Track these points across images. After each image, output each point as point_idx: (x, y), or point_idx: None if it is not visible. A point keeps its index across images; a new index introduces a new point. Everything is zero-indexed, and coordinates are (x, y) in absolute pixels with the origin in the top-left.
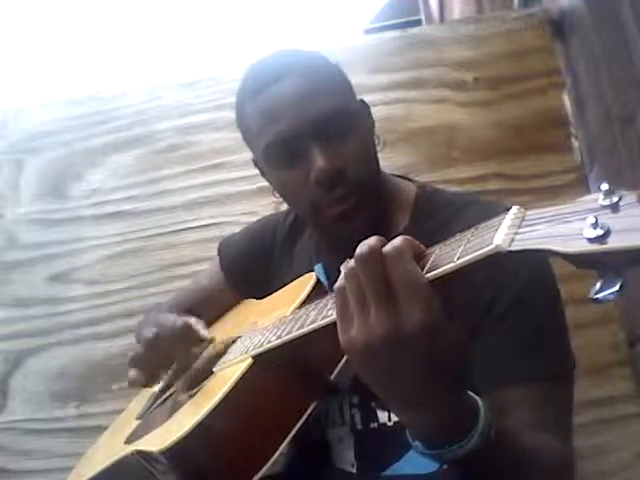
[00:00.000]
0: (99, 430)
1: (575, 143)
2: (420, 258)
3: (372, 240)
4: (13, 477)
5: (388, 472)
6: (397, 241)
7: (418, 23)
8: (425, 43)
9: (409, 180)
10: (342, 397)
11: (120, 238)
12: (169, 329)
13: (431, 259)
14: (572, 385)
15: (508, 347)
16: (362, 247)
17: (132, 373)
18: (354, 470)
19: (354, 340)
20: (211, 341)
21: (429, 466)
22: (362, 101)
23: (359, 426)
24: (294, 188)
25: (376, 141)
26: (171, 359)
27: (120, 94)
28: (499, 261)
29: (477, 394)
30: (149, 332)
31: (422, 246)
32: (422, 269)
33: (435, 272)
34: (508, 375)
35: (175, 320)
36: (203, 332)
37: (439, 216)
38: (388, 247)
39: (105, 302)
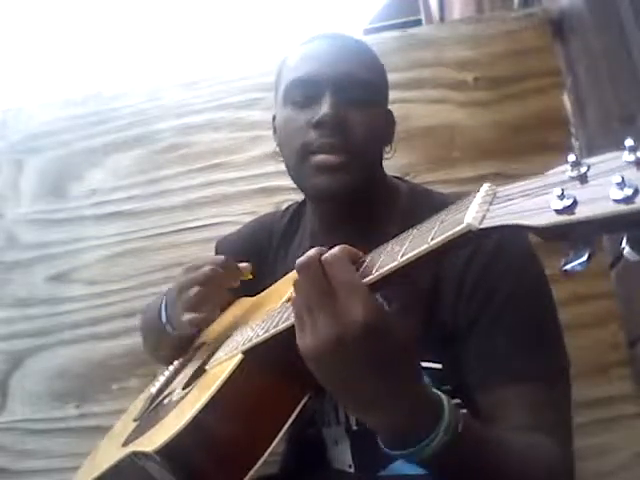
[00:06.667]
0: (99, 430)
1: (575, 143)
2: (357, 263)
3: (311, 251)
4: (13, 477)
5: (385, 472)
6: (335, 249)
7: (418, 23)
8: (425, 43)
9: (400, 180)
10: None
11: (120, 238)
12: (218, 263)
13: (406, 243)
14: (569, 385)
15: (505, 346)
16: (302, 258)
17: (188, 316)
18: (351, 470)
19: (307, 346)
20: (204, 343)
21: None
22: (389, 110)
23: (354, 427)
24: (295, 128)
25: (388, 148)
26: (223, 296)
27: (120, 94)
28: (479, 243)
29: (473, 392)
30: (205, 269)
31: (360, 252)
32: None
33: (414, 252)
34: (506, 375)
35: (218, 257)
36: (244, 265)
37: (431, 214)
38: (326, 255)
39: (105, 302)
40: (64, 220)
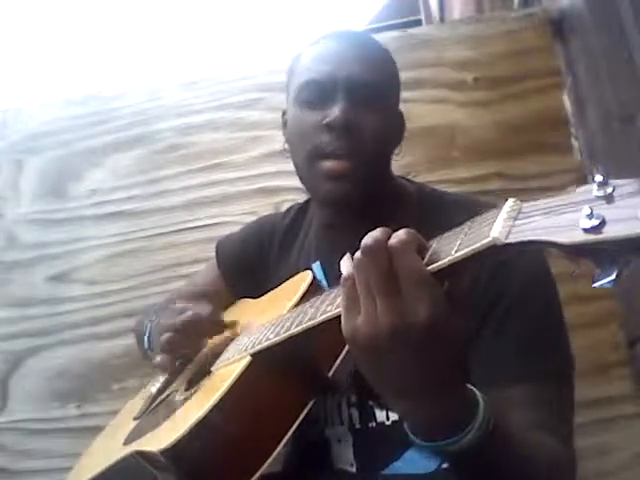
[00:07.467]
0: (99, 430)
1: (575, 143)
2: (422, 251)
3: (377, 232)
4: (13, 477)
5: (387, 471)
6: (402, 234)
7: (418, 23)
8: (425, 43)
9: (407, 180)
10: (340, 396)
11: (120, 238)
12: (201, 314)
13: (429, 252)
14: (573, 386)
15: (510, 346)
16: (367, 239)
17: (160, 358)
18: (353, 469)
19: (359, 331)
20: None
21: (428, 466)
22: (400, 112)
23: (357, 425)
24: (306, 130)
25: (396, 150)
26: (200, 343)
27: (120, 94)
28: (498, 256)
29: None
30: (184, 316)
31: (424, 240)
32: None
33: (434, 265)
34: (510, 374)
35: (204, 307)
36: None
37: (446, 214)
38: (393, 240)
39: (105, 302)
40: (64, 220)
